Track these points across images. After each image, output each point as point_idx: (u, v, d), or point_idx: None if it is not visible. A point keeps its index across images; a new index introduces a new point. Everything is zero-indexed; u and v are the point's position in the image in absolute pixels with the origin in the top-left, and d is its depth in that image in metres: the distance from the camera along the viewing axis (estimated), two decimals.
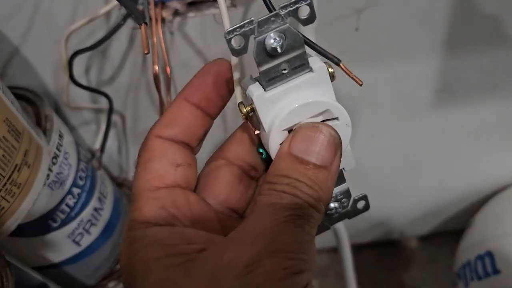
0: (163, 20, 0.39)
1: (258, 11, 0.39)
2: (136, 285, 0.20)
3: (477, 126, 0.55)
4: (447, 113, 0.53)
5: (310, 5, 0.21)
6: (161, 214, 0.21)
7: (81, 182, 0.43)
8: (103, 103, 0.45)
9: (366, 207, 0.27)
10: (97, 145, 0.46)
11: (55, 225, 0.41)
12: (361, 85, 0.23)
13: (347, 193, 0.25)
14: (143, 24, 0.23)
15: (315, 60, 0.22)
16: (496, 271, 0.54)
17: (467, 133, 0.56)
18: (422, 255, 0.78)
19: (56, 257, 0.44)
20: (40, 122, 0.41)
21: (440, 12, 0.42)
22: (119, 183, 0.57)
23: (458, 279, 0.61)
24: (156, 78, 0.37)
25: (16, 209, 0.34)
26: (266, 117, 0.22)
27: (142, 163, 0.22)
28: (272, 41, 0.21)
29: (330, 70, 0.22)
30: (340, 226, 0.56)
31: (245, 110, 0.22)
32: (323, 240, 0.79)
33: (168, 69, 0.39)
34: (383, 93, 0.49)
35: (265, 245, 0.18)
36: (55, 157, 0.40)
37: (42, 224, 0.40)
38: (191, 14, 0.40)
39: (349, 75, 0.23)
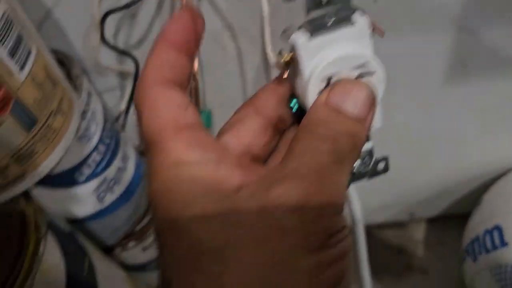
0: None
1: None
2: (175, 222, 0.19)
3: (488, 104, 0.56)
4: (459, 89, 0.54)
5: None
6: (190, 151, 0.21)
7: (107, 140, 0.45)
8: (130, 66, 0.47)
9: (386, 169, 0.27)
10: (122, 107, 0.47)
11: (81, 179, 0.43)
12: (382, 35, 0.24)
13: (370, 153, 0.26)
14: None
15: (358, 15, 0.22)
16: (504, 244, 0.55)
17: (478, 111, 0.57)
18: (431, 237, 0.80)
19: (80, 212, 0.45)
20: (71, 80, 0.43)
21: None
22: (141, 152, 0.59)
23: (467, 255, 0.63)
24: None
25: (50, 153, 0.36)
26: (307, 65, 0.22)
27: (148, 110, 0.22)
28: None
29: (371, 24, 0.22)
30: (357, 207, 0.58)
31: (284, 58, 0.23)
32: None
33: None
34: (398, 66, 0.51)
35: (312, 184, 0.19)
36: (84, 112, 0.42)
37: (70, 177, 0.42)
38: None
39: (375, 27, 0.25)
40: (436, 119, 0.59)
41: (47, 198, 0.42)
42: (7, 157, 0.33)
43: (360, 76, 0.23)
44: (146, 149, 0.22)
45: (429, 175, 0.70)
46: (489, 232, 0.58)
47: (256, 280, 0.18)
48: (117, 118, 0.48)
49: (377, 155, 0.27)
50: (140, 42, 0.47)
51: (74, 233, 0.41)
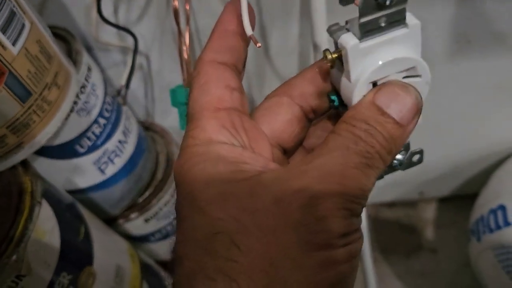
0: None
1: None
2: (194, 201, 0.20)
3: (491, 81, 0.55)
4: (463, 65, 0.53)
5: None
6: (222, 132, 0.22)
7: (107, 114, 0.47)
8: (130, 42, 0.48)
9: (420, 160, 0.27)
10: (122, 82, 0.49)
11: (82, 150, 0.45)
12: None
13: (407, 146, 0.26)
14: None
15: (411, 17, 0.22)
16: (507, 223, 0.54)
17: (481, 89, 0.56)
18: (441, 217, 0.79)
19: (82, 182, 0.48)
20: (71, 55, 0.44)
21: None
22: (146, 127, 0.60)
23: (472, 235, 0.62)
24: (175, 13, 0.40)
25: (46, 124, 0.38)
26: (355, 67, 0.22)
27: (198, 87, 0.23)
28: None
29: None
30: None
31: (331, 56, 0.22)
32: None
33: (187, 5, 0.41)
34: None
35: (333, 184, 0.19)
36: (83, 86, 0.43)
37: (70, 148, 0.44)
38: None
39: None
40: (444, 96, 0.58)
41: (49, 169, 0.44)
42: (4, 128, 0.35)
43: (406, 77, 0.23)
44: (188, 122, 0.23)
45: (438, 154, 0.69)
46: (494, 211, 0.57)
47: (262, 269, 0.18)
48: (118, 92, 0.50)
49: None
50: (139, 18, 0.48)
51: (73, 203, 0.43)
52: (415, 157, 0.27)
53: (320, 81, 0.24)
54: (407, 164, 0.27)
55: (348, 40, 0.21)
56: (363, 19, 0.21)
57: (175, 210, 0.21)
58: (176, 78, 0.44)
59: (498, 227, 0.56)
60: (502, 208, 0.56)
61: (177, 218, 0.21)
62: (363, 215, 0.62)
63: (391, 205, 0.81)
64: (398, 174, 0.81)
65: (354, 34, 0.22)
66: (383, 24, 0.21)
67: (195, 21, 0.46)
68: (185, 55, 0.41)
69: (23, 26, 0.35)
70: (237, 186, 0.19)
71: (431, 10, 0.47)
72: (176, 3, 0.39)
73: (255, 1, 0.46)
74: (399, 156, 0.26)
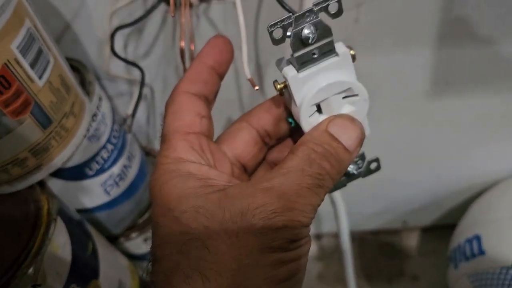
0: (191, 5, 0.47)
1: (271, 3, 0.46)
2: (170, 211, 0.23)
3: (471, 118, 0.60)
4: (442, 104, 0.58)
5: (339, 2, 0.25)
6: (191, 153, 0.25)
7: (114, 140, 0.51)
8: (137, 75, 0.53)
9: (378, 168, 0.31)
10: (129, 111, 0.53)
11: (91, 173, 0.49)
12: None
13: (362, 156, 0.30)
14: None
15: (340, 46, 0.26)
16: (481, 252, 0.58)
17: (462, 125, 0.61)
18: (423, 245, 0.83)
19: (89, 202, 0.51)
20: (84, 86, 0.49)
21: (433, 6, 0.47)
22: (147, 152, 0.65)
23: (450, 262, 0.66)
24: (182, 52, 0.44)
25: (63, 149, 0.42)
26: (298, 94, 0.26)
27: (172, 113, 0.26)
28: (306, 32, 0.24)
29: (352, 52, 0.26)
30: (342, 212, 0.62)
31: (279, 86, 0.26)
32: (330, 224, 0.84)
33: (192, 46, 0.46)
34: (382, 82, 0.55)
35: (289, 202, 0.22)
36: (95, 115, 0.48)
37: (80, 171, 0.48)
38: (214, 1, 0.47)
39: None
40: (423, 131, 0.63)
41: (60, 189, 0.48)
42: (26, 151, 0.39)
43: (347, 97, 0.27)
44: (161, 142, 0.26)
45: (419, 186, 0.73)
46: (469, 241, 0.61)
47: (229, 266, 0.22)
48: (124, 120, 0.54)
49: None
50: (146, 54, 0.52)
51: (82, 221, 0.47)
52: (373, 165, 0.31)
53: (275, 110, 0.29)
54: (366, 172, 0.31)
55: (289, 71, 0.26)
56: (296, 54, 0.25)
57: (152, 217, 0.25)
58: None
59: (473, 256, 0.60)
60: (477, 237, 0.60)
61: (154, 225, 0.24)
62: (348, 242, 0.66)
63: (376, 233, 0.85)
64: (383, 203, 0.87)
65: (294, 66, 0.26)
66: (316, 56, 0.26)
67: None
68: None
69: (48, 62, 0.39)
70: (207, 198, 0.23)
71: (413, 55, 0.52)
72: (183, 43, 0.44)
73: (253, 40, 0.51)
74: (352, 167, 0.30)
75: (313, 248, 0.84)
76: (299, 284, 0.24)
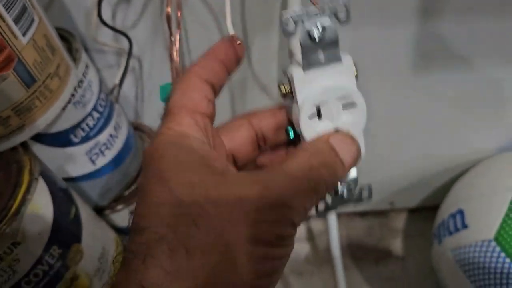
0: None
1: None
2: (164, 181, 0.23)
3: (457, 95, 0.61)
4: (428, 80, 0.59)
5: (347, 8, 0.26)
6: (196, 130, 0.25)
7: (100, 109, 0.51)
8: (125, 45, 0.53)
9: (370, 196, 0.31)
10: (116, 81, 0.53)
11: (76, 140, 0.49)
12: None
13: (355, 180, 0.30)
14: None
15: (346, 57, 0.27)
16: (464, 226, 0.59)
17: (447, 102, 0.62)
18: (410, 226, 0.84)
19: (74, 171, 0.51)
20: (71, 53, 0.49)
21: None
22: (135, 127, 0.65)
23: (434, 239, 0.67)
24: (168, 18, 0.45)
25: (47, 110, 0.42)
26: (301, 93, 0.27)
27: (181, 91, 0.27)
28: (315, 30, 0.25)
29: (355, 71, 0.27)
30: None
31: (284, 89, 0.28)
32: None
33: (179, 13, 0.46)
34: (368, 55, 0.55)
35: (285, 199, 0.23)
36: (81, 81, 0.48)
37: (65, 137, 0.48)
38: None
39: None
40: (409, 108, 0.64)
41: (45, 156, 0.48)
42: (9, 109, 0.39)
43: (344, 106, 0.27)
44: (165, 116, 0.26)
45: (406, 166, 0.74)
46: (453, 215, 0.62)
47: (217, 248, 0.22)
48: (112, 90, 0.54)
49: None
50: (135, 24, 0.52)
51: (67, 187, 0.47)
52: (365, 193, 0.31)
53: (279, 116, 0.30)
54: (357, 198, 0.31)
55: (294, 69, 0.27)
56: (304, 52, 0.26)
57: (141, 186, 0.24)
58: (165, 81, 0.49)
59: (457, 230, 0.61)
60: (461, 212, 0.61)
61: (143, 193, 0.23)
62: (335, 223, 0.66)
63: (364, 214, 0.85)
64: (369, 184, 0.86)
65: (300, 66, 0.27)
66: (322, 61, 0.27)
67: (185, 28, 0.51)
68: (175, 57, 0.46)
69: (32, 20, 0.39)
70: (205, 177, 0.23)
71: (398, 30, 0.53)
72: (169, 9, 0.44)
73: (240, 16, 0.51)
74: (344, 189, 0.30)
75: (302, 230, 0.85)
76: (275, 284, 0.24)
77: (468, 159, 0.69)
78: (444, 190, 0.74)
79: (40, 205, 0.40)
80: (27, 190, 0.39)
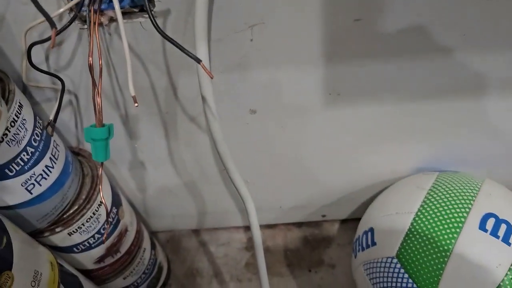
0: (101, 24, 0.52)
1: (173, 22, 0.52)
2: None
3: (365, 126, 0.67)
4: (336, 112, 0.65)
5: None
6: None
7: (34, 144, 0.56)
8: (59, 84, 0.58)
9: None
10: (51, 117, 0.58)
11: (11, 174, 0.54)
12: (212, 78, 0.35)
13: None
14: (54, 28, 0.35)
15: None
16: (374, 243, 0.66)
17: (358, 132, 0.68)
18: (342, 236, 0.91)
19: (11, 200, 0.56)
20: (4, 94, 0.54)
21: (316, 29, 0.54)
22: (76, 152, 0.70)
23: (352, 252, 0.74)
24: (90, 67, 0.50)
25: None
26: None
27: None
28: None
29: None
30: (250, 207, 0.68)
31: None
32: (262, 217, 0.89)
33: (100, 61, 0.51)
34: (279, 93, 0.61)
35: None
36: (14, 121, 0.52)
37: (0, 172, 0.53)
38: (124, 21, 0.52)
39: (205, 71, 0.35)
40: (325, 138, 0.70)
41: None
42: None
43: None
44: None
45: (333, 184, 0.81)
46: (366, 232, 0.69)
47: None
48: (48, 124, 0.59)
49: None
50: (67, 65, 0.57)
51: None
52: None
53: None
54: None
55: None
56: None
57: None
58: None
59: (368, 246, 0.67)
60: (371, 230, 0.68)
61: None
62: (259, 236, 0.72)
63: (300, 224, 0.92)
64: (303, 199, 0.95)
65: None
66: None
67: (111, 73, 0.56)
68: (98, 101, 0.51)
69: None
70: None
71: (308, 70, 0.58)
72: (91, 59, 0.50)
73: (164, 62, 0.56)
74: None
75: (242, 239, 0.91)
76: None
77: (384, 179, 0.76)
78: (368, 204, 0.82)
79: None
80: None
